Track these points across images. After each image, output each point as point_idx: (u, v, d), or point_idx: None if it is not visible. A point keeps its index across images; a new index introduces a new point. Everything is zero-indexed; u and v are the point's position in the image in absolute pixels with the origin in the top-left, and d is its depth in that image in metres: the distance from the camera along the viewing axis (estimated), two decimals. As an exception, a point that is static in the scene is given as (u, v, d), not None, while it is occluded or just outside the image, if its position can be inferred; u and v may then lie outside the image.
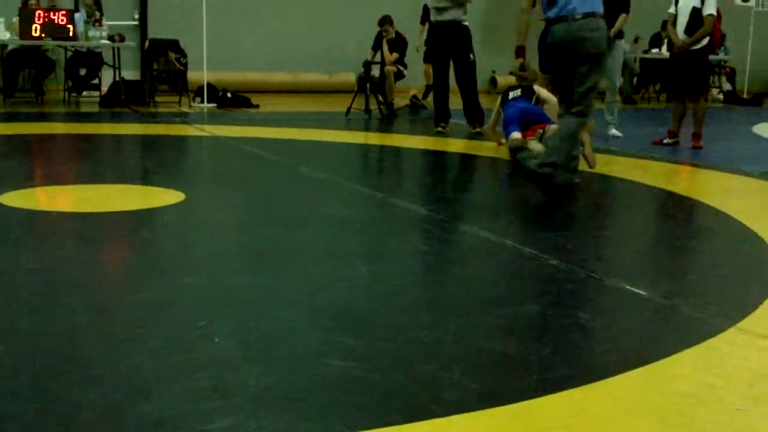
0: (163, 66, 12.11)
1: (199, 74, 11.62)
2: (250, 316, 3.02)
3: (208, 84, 11.78)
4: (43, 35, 10.86)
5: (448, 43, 9.15)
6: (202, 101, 11.71)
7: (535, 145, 6.70)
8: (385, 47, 11.54)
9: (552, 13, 5.44)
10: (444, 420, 2.23)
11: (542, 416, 2.30)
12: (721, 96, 16.16)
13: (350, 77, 13.72)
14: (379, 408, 2.30)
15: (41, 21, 10.80)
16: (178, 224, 4.69)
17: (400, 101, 11.93)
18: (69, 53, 11.68)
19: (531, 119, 7.02)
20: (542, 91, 7.26)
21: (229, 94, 12.03)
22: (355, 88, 11.46)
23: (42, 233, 4.45)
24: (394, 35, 11.58)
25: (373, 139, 9.39)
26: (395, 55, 11.52)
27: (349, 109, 10.95)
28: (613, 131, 9.26)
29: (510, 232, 4.71)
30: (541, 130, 6.78)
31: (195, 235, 4.47)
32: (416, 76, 12.29)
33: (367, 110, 11.03)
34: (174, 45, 12.04)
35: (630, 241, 4.72)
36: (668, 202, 5.87)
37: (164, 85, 12.35)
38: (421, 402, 2.34)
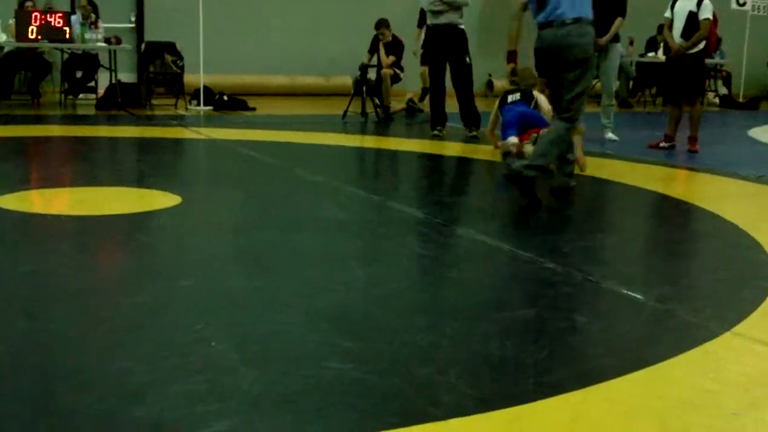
0: (160, 68, 12.10)
1: (196, 77, 11.61)
2: (246, 319, 3.02)
3: (205, 87, 11.77)
4: (39, 37, 10.85)
5: (445, 47, 9.15)
6: (199, 104, 11.71)
7: (530, 149, 6.70)
8: (382, 50, 11.54)
9: (541, 17, 5.40)
10: (441, 423, 2.22)
11: (539, 420, 2.30)
12: (717, 100, 16.18)
13: (347, 80, 13.70)
14: (376, 411, 2.30)
15: (38, 23, 10.80)
16: (174, 227, 4.68)
17: (397, 104, 11.93)
18: (65, 55, 11.67)
19: (529, 123, 7.02)
20: (541, 98, 7.25)
21: (225, 97, 12.03)
22: (352, 92, 11.46)
23: (38, 236, 4.45)
24: (390, 38, 11.58)
25: (370, 142, 9.39)
26: (392, 59, 11.52)
27: (345, 112, 10.95)
28: (610, 135, 9.27)
29: (506, 235, 4.71)
30: (535, 134, 6.78)
31: (191, 238, 4.46)
32: (413, 79, 12.30)
33: (364, 113, 11.03)
34: (170, 47, 12.03)
35: (626, 244, 4.72)
36: (664, 205, 5.87)
37: (161, 87, 12.34)
38: (417, 405, 2.33)
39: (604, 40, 8.94)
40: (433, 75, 9.43)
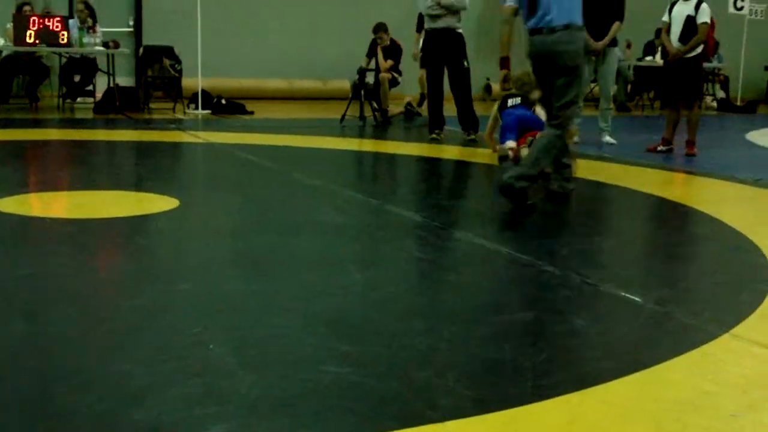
0: (158, 72, 12.11)
1: (194, 81, 11.62)
2: (244, 323, 3.02)
3: (203, 90, 11.77)
4: (37, 41, 10.86)
5: (443, 51, 9.16)
6: (197, 108, 11.71)
7: (526, 152, 6.71)
8: (380, 54, 11.55)
9: (531, 23, 5.38)
10: (438, 426, 2.22)
11: (537, 423, 2.30)
12: (714, 103, 16.19)
13: (345, 84, 13.70)
14: (374, 414, 2.30)
15: (36, 27, 10.80)
16: (172, 231, 4.68)
17: (395, 108, 11.94)
18: (63, 59, 11.67)
19: (529, 127, 7.02)
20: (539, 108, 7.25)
21: (223, 101, 12.03)
22: (350, 95, 11.47)
23: (36, 239, 4.44)
24: (388, 42, 11.59)
25: (368, 146, 9.39)
26: (390, 63, 11.53)
27: (343, 116, 10.95)
28: (607, 138, 9.28)
29: (505, 238, 4.72)
30: (531, 138, 6.79)
31: (189, 241, 4.46)
32: (411, 83, 12.31)
33: (362, 117, 11.04)
34: (168, 51, 12.04)
35: (624, 247, 4.73)
36: (662, 209, 5.88)
37: (159, 91, 12.35)
38: (415, 408, 2.33)
39: (601, 44, 8.96)
40: (431, 79, 9.44)
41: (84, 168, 7.03)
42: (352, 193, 5.98)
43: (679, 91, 8.58)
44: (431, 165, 7.88)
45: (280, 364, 2.63)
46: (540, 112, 7.20)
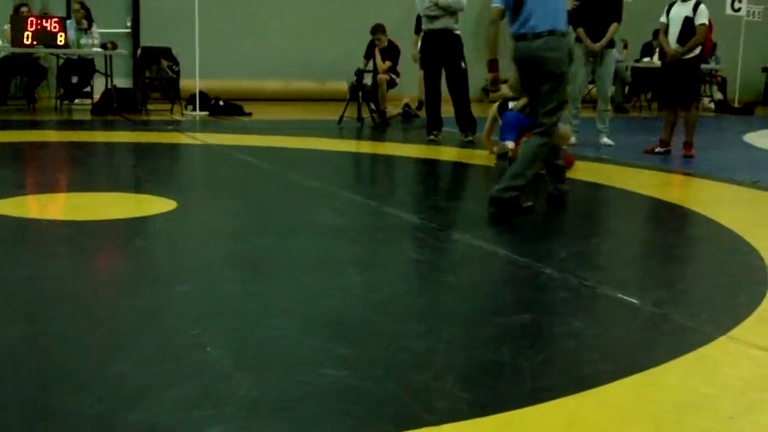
0: (156, 74, 12.10)
1: (192, 82, 11.61)
2: (242, 325, 3.02)
3: (201, 92, 11.77)
4: (35, 43, 10.85)
5: (440, 52, 9.16)
6: (195, 109, 11.71)
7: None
8: (378, 56, 11.55)
9: (515, 28, 5.32)
10: (435, 429, 2.22)
11: (535, 425, 2.30)
12: (712, 105, 16.21)
13: (342, 85, 13.72)
14: (372, 417, 2.30)
15: (33, 28, 10.79)
16: (170, 232, 4.68)
17: (393, 109, 11.94)
18: (61, 61, 11.67)
19: (528, 128, 7.01)
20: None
21: (221, 102, 12.03)
22: (348, 97, 11.46)
23: (34, 241, 4.44)
24: (386, 44, 11.59)
25: (366, 147, 9.40)
26: (388, 64, 11.52)
27: (341, 117, 10.95)
28: (605, 140, 9.29)
29: (503, 240, 4.72)
30: (526, 139, 6.78)
31: (187, 243, 4.46)
32: (409, 84, 12.31)
33: (360, 118, 11.03)
34: (166, 53, 12.04)
35: (622, 249, 4.73)
36: (660, 210, 5.88)
37: (156, 92, 12.35)
38: (413, 411, 2.33)
39: (599, 45, 8.98)
40: (428, 80, 9.44)
41: (82, 170, 7.03)
42: (350, 194, 5.98)
43: (677, 92, 8.59)
44: (429, 166, 7.88)
45: (278, 367, 2.63)
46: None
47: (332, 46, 14.41)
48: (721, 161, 8.49)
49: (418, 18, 9.86)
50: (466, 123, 9.33)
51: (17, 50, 10.98)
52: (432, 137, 9.29)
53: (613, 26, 9.01)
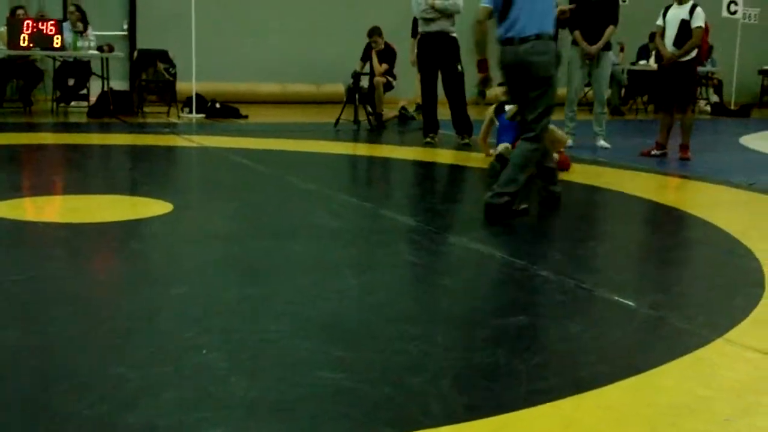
0: (152, 76, 12.08)
1: (188, 85, 11.61)
2: (239, 327, 3.02)
3: (197, 94, 11.77)
4: (31, 45, 10.83)
5: (436, 54, 9.17)
6: (191, 112, 11.70)
7: None
8: (375, 58, 11.56)
9: (501, 31, 5.28)
10: (431, 431, 2.22)
11: (531, 428, 2.30)
12: (708, 107, 16.22)
13: (339, 88, 13.73)
14: (368, 420, 2.30)
15: (29, 31, 10.77)
16: (166, 235, 4.68)
17: (389, 112, 11.94)
18: (57, 63, 11.66)
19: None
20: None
21: (217, 105, 12.02)
22: (344, 99, 11.46)
23: (30, 244, 4.43)
24: (383, 46, 11.60)
25: (362, 150, 9.40)
26: (384, 66, 11.53)
27: (338, 120, 10.95)
28: (602, 142, 9.30)
29: (499, 243, 4.72)
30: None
31: (183, 245, 4.45)
32: (405, 87, 12.31)
33: (356, 121, 11.03)
34: (163, 55, 12.02)
35: (618, 252, 4.73)
36: (656, 213, 5.89)
37: (153, 95, 12.32)
38: (409, 413, 2.33)
39: (595, 48, 8.99)
40: (425, 82, 9.44)
41: (78, 172, 7.02)
42: (347, 197, 5.98)
43: (673, 95, 8.60)
44: (425, 169, 7.88)
45: (275, 369, 2.63)
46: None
47: (329, 48, 14.41)
48: (718, 164, 8.51)
49: (415, 21, 9.87)
50: (463, 126, 9.33)
51: (13, 53, 10.96)
52: (428, 140, 9.29)
53: (610, 29, 9.03)
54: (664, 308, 3.45)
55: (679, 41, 8.42)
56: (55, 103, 11.69)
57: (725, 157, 9.46)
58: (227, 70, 13.88)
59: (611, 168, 7.74)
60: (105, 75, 11.44)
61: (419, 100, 10.65)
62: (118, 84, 12.53)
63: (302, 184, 6.35)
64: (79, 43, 11.25)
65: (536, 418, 2.34)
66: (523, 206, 5.27)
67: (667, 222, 5.60)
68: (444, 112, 9.44)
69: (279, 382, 2.52)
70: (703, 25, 8.42)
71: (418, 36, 9.54)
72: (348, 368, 2.63)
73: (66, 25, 11.24)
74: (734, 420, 2.37)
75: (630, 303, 3.47)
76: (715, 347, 2.96)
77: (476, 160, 8.02)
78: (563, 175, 6.97)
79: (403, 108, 12.45)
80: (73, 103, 12.04)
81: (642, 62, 15.20)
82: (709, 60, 15.58)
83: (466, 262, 4.31)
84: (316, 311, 3.25)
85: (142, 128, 10.22)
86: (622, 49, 15.25)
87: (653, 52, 13.62)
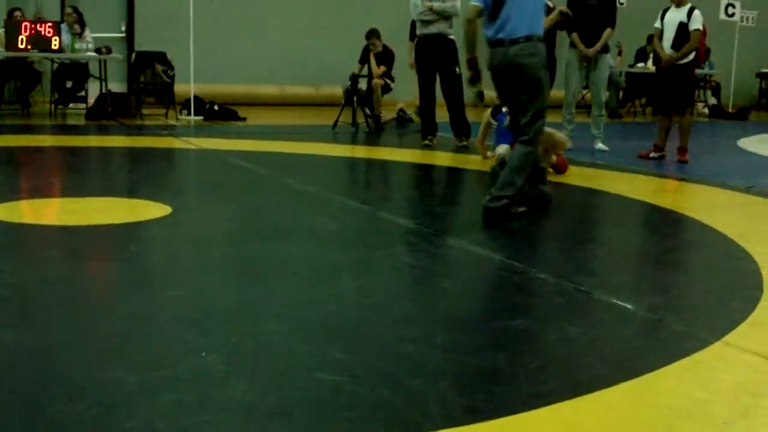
0: (150, 78, 12.09)
1: (186, 87, 11.60)
2: (236, 330, 3.01)
3: (195, 96, 11.76)
4: (29, 47, 10.83)
5: (435, 57, 9.17)
6: (189, 114, 11.69)
7: None
8: (373, 60, 11.56)
9: (490, 33, 5.25)
10: (432, 434, 2.23)
11: (530, 431, 2.29)
12: (706, 110, 16.24)
13: (337, 90, 13.69)
14: (367, 422, 2.29)
15: (27, 33, 10.77)
16: (164, 237, 4.67)
17: (387, 114, 11.94)
18: (55, 65, 11.65)
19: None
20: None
21: (216, 107, 12.03)
22: (342, 102, 11.47)
23: (27, 247, 4.43)
24: (381, 48, 11.60)
25: (361, 152, 9.40)
26: (382, 69, 11.53)
27: (336, 122, 10.95)
28: (600, 145, 9.30)
29: (498, 245, 4.72)
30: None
31: (181, 248, 4.45)
32: (403, 89, 12.30)
33: (354, 123, 11.03)
34: (161, 57, 12.03)
35: (617, 254, 4.73)
36: (654, 215, 5.89)
37: (151, 97, 12.32)
38: (408, 416, 2.33)
39: (593, 50, 9.00)
40: (423, 85, 9.45)
41: (76, 174, 7.01)
42: (345, 199, 5.98)
43: (671, 97, 8.60)
44: (424, 171, 7.88)
45: (273, 371, 2.62)
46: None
47: (327, 51, 14.41)
48: (715, 166, 8.51)
49: (413, 24, 9.87)
50: (461, 128, 9.33)
51: (11, 54, 10.96)
52: (427, 142, 9.29)
53: (607, 31, 9.04)
54: (663, 311, 3.45)
55: (677, 44, 8.43)
56: (53, 105, 11.69)
57: (723, 159, 9.46)
58: (225, 72, 13.88)
59: (609, 170, 7.75)
60: (103, 77, 11.44)
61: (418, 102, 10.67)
62: (117, 86, 12.53)
63: (301, 186, 6.34)
64: (77, 45, 11.24)
65: (535, 420, 2.34)
66: (522, 209, 5.27)
67: (665, 225, 5.60)
68: (442, 115, 9.44)
69: (278, 384, 2.52)
70: (700, 27, 8.44)
71: (416, 38, 9.54)
72: (347, 370, 2.63)
73: (63, 26, 11.23)
74: (732, 423, 2.37)
75: (628, 306, 3.47)
76: (713, 350, 2.96)
77: (474, 162, 8.02)
78: (561, 178, 6.98)
79: (402, 110, 12.44)
80: (71, 105, 12.04)
81: (640, 65, 15.22)
82: (706, 63, 15.60)
83: (465, 265, 4.31)
84: (314, 313, 3.25)
85: (140, 130, 10.22)
86: (620, 53, 15.26)
87: (651, 55, 13.64)
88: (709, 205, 6.32)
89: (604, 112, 9.66)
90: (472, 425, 2.28)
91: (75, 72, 11.73)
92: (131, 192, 6.27)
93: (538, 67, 5.20)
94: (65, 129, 10.44)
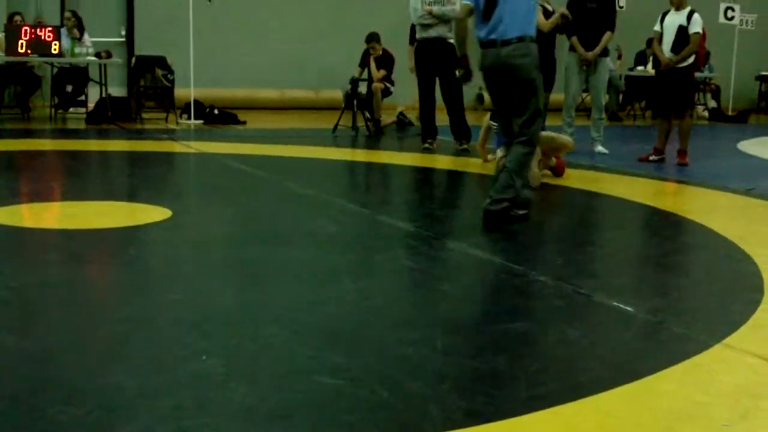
0: (150, 82, 12.09)
1: (186, 91, 11.60)
2: (236, 333, 3.01)
3: (195, 100, 11.76)
4: (29, 51, 10.83)
5: (434, 60, 9.17)
6: (189, 118, 11.70)
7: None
8: (373, 64, 11.56)
9: (482, 33, 5.23)
10: (432, 437, 2.22)
11: (530, 433, 2.29)
12: (706, 113, 16.24)
13: (337, 94, 13.73)
14: (367, 425, 2.29)
15: (27, 37, 10.78)
16: (164, 241, 4.67)
17: (387, 118, 11.95)
18: (55, 70, 11.66)
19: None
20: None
21: (216, 111, 12.02)
22: (342, 105, 11.47)
23: (27, 250, 4.43)
24: (381, 52, 11.60)
25: (360, 155, 9.40)
26: (382, 72, 11.53)
27: (336, 125, 10.95)
28: (599, 148, 9.30)
29: (498, 248, 4.71)
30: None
31: (181, 252, 4.45)
32: (403, 93, 12.31)
33: (354, 127, 11.03)
34: (161, 61, 12.03)
35: (617, 257, 4.73)
36: (654, 218, 5.89)
37: (151, 101, 12.33)
38: (408, 419, 2.33)
39: (592, 54, 9.00)
40: (422, 88, 9.45)
41: (76, 178, 7.02)
42: (345, 203, 5.98)
43: (671, 100, 8.60)
44: (424, 175, 7.89)
45: (273, 375, 2.62)
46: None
47: (327, 54, 14.42)
48: (715, 169, 8.51)
49: (413, 28, 9.87)
50: (461, 131, 9.34)
51: (11, 59, 10.97)
52: (426, 145, 9.30)
53: (607, 35, 9.04)
54: (663, 313, 3.45)
55: (676, 47, 8.43)
56: (53, 110, 11.70)
57: (723, 162, 9.46)
58: (225, 76, 13.89)
59: (609, 173, 7.75)
60: (103, 81, 11.44)
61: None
62: (117, 90, 12.54)
63: (300, 189, 6.34)
64: (77, 50, 11.24)
65: (535, 423, 2.34)
66: (522, 212, 5.27)
67: (665, 227, 5.60)
68: (442, 118, 9.45)
69: (278, 387, 2.52)
70: (700, 31, 8.44)
71: (416, 42, 9.54)
72: (347, 374, 2.63)
73: (63, 31, 11.24)
74: (733, 425, 2.37)
75: (629, 308, 3.47)
76: (714, 353, 2.96)
77: (474, 165, 8.02)
78: (560, 181, 6.99)
79: (401, 114, 12.45)
80: (71, 110, 12.04)
81: (639, 68, 15.23)
82: (706, 66, 15.60)
83: (465, 268, 4.31)
84: (314, 316, 3.25)
85: (140, 134, 10.22)
86: (619, 56, 15.27)
87: (650, 58, 13.65)
88: (709, 208, 6.32)
89: (603, 115, 9.66)
90: (472, 428, 2.28)
91: (75, 76, 11.73)
92: (131, 195, 6.27)
93: (530, 67, 5.18)
94: (65, 133, 10.45)
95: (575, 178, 7.20)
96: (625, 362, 2.86)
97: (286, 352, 2.83)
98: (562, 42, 9.38)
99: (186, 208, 5.60)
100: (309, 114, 13.90)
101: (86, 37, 11.59)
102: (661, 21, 8.62)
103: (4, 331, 2.99)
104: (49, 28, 10.99)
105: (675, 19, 8.48)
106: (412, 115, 12.37)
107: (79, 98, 11.93)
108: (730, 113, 16.32)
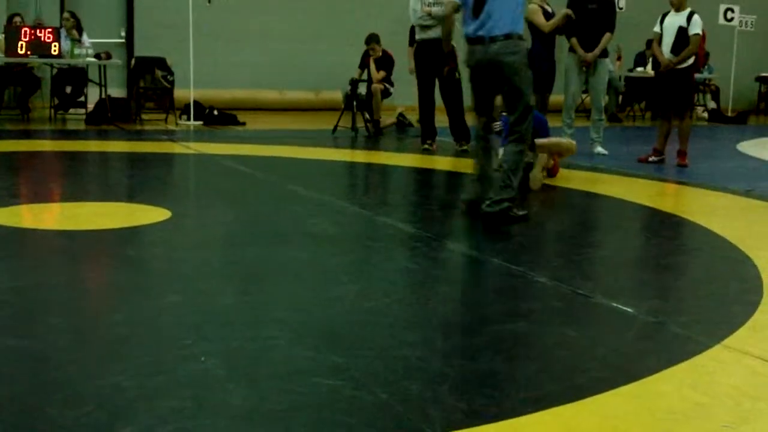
0: (150, 83, 12.10)
1: (186, 92, 11.61)
2: (236, 334, 3.01)
3: (195, 101, 11.77)
4: (29, 53, 10.84)
5: (434, 61, 9.17)
6: (189, 119, 11.70)
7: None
8: (372, 65, 11.57)
9: (470, 30, 5.23)
10: (431, 438, 2.22)
11: (530, 434, 2.29)
12: (705, 114, 16.25)
13: (337, 95, 13.73)
14: (367, 426, 2.29)
15: (27, 38, 10.78)
16: (164, 242, 4.67)
17: (387, 119, 11.95)
18: (54, 71, 11.66)
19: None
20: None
21: (215, 112, 12.02)
22: (342, 106, 11.47)
23: (26, 251, 4.43)
24: (380, 53, 11.61)
25: (360, 156, 9.40)
26: (382, 73, 11.54)
27: (335, 126, 10.95)
28: (599, 149, 9.30)
29: (497, 249, 4.71)
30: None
31: (181, 252, 4.45)
32: (403, 94, 12.31)
33: (354, 128, 11.04)
34: (160, 62, 12.04)
35: (616, 258, 4.73)
36: (654, 219, 5.89)
37: (151, 102, 12.34)
38: (408, 420, 2.33)
39: (592, 55, 9.00)
40: (422, 89, 9.45)
41: (76, 179, 7.02)
42: (345, 203, 5.98)
43: (671, 101, 8.61)
44: (423, 176, 7.89)
45: (272, 376, 2.62)
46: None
47: (327, 55, 14.42)
48: (715, 170, 8.51)
49: (413, 29, 9.87)
50: (460, 132, 9.34)
51: (11, 60, 10.97)
52: (426, 146, 9.30)
53: (607, 36, 9.04)
54: (663, 314, 3.45)
55: (676, 48, 8.43)
56: (52, 111, 11.70)
57: (723, 163, 9.46)
58: (225, 77, 13.89)
59: (609, 174, 7.75)
60: (103, 82, 11.44)
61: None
62: (116, 91, 12.54)
63: (300, 190, 6.34)
64: (76, 51, 11.25)
65: (535, 424, 2.34)
66: (522, 212, 5.27)
67: (665, 228, 5.60)
68: (442, 119, 9.45)
69: (277, 389, 2.52)
70: (700, 32, 8.44)
71: (415, 44, 9.55)
72: (346, 375, 2.63)
73: (62, 32, 11.24)
74: (732, 427, 2.37)
75: (628, 309, 3.47)
76: (713, 354, 2.96)
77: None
78: (560, 182, 6.99)
79: (401, 115, 12.45)
80: (71, 111, 12.05)
81: (639, 69, 15.23)
82: (706, 67, 15.61)
83: (464, 269, 4.32)
84: (314, 318, 3.25)
85: (139, 135, 10.22)
86: (619, 57, 15.28)
87: (650, 59, 13.64)
88: (708, 209, 6.32)
89: (603, 116, 9.66)
90: (472, 429, 2.28)
91: (74, 77, 11.74)
92: (131, 196, 6.27)
93: (519, 65, 5.18)
94: (65, 134, 10.45)
95: (575, 179, 7.20)
96: (624, 363, 2.86)
97: (285, 354, 2.83)
98: (561, 43, 9.38)
99: (186, 209, 5.61)
100: (309, 115, 13.90)
101: (85, 38, 11.59)
102: (661, 22, 8.63)
103: (4, 331, 2.99)
104: (49, 30, 10.99)
105: (675, 20, 8.48)
106: (412, 117, 12.38)
107: (78, 99, 11.94)
108: (729, 114, 16.32)
